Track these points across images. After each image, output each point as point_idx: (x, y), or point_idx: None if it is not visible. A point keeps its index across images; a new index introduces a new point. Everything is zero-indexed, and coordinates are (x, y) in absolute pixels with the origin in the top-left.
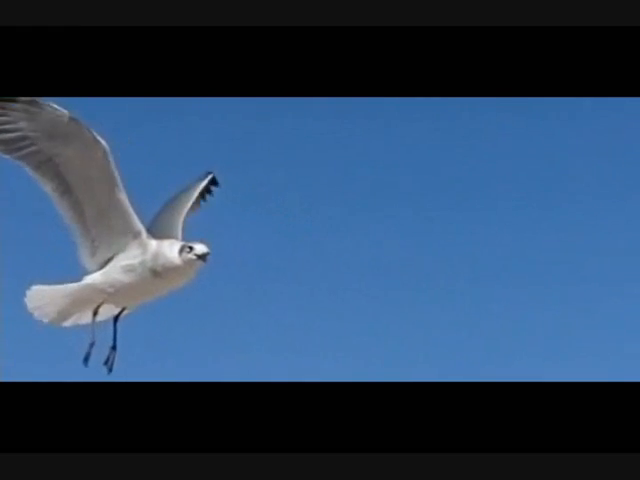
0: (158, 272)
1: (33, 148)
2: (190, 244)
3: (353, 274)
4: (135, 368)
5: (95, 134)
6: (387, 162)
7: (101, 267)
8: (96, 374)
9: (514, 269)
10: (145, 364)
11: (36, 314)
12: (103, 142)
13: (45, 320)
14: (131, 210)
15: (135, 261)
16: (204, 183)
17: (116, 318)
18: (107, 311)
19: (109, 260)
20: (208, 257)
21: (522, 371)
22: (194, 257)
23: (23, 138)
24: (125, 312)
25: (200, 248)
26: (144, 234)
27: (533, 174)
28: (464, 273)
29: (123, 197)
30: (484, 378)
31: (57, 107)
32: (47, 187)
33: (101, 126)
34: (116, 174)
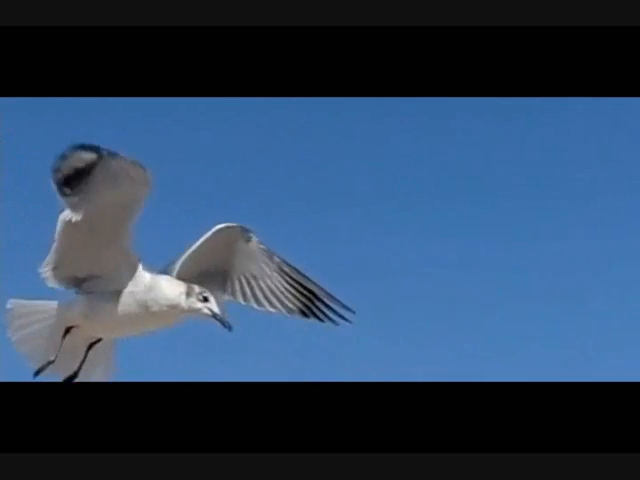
0: (148, 306)
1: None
2: (204, 293)
3: (352, 272)
4: (135, 368)
5: (150, 176)
6: (383, 161)
7: (68, 284)
8: None
9: (515, 268)
10: (144, 364)
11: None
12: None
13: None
14: (129, 239)
15: (123, 289)
16: None
17: (90, 345)
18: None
19: (82, 280)
20: (224, 320)
21: (522, 371)
22: (208, 312)
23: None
24: (101, 342)
25: (216, 308)
26: (140, 265)
27: (531, 174)
28: (465, 274)
29: (130, 229)
30: (484, 378)
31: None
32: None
33: (98, 126)
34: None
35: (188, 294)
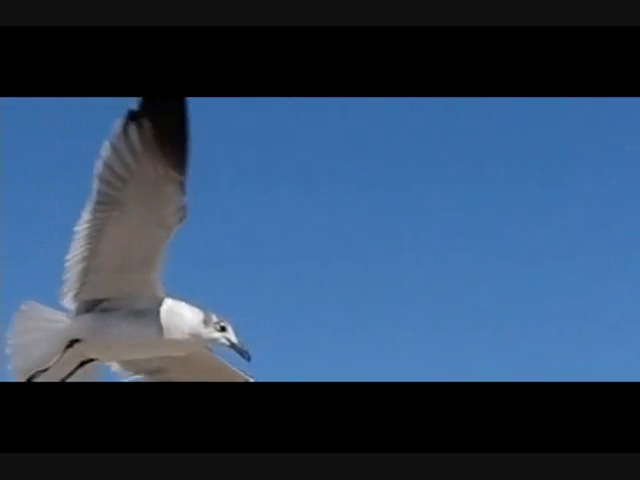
0: (170, 331)
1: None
2: (222, 322)
3: (352, 271)
4: None
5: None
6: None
7: (86, 306)
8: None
9: (516, 268)
10: None
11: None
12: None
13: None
14: (157, 261)
15: (143, 309)
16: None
17: (82, 363)
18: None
19: (99, 302)
20: (242, 351)
21: (522, 371)
22: (226, 342)
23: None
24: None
25: (234, 338)
26: (159, 288)
27: (533, 173)
28: (465, 276)
29: (159, 247)
30: (484, 378)
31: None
32: (93, 211)
33: (98, 126)
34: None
35: (206, 323)
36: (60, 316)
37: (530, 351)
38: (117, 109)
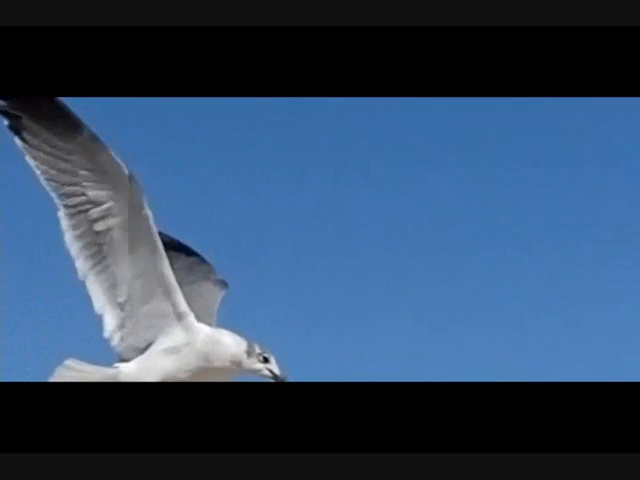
0: (210, 360)
1: (80, 191)
2: (264, 353)
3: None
4: None
5: (143, 199)
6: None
7: (137, 352)
8: None
9: (516, 268)
10: None
11: None
12: (148, 209)
13: None
14: (176, 287)
15: (179, 343)
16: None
17: None
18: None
19: (146, 345)
20: (285, 382)
21: (522, 371)
22: (268, 373)
23: (73, 173)
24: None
25: (277, 369)
26: (190, 316)
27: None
28: (466, 276)
29: (167, 271)
30: (484, 378)
31: (114, 155)
32: (81, 254)
33: (98, 126)
34: (159, 244)
35: (249, 353)
36: (102, 369)
37: (529, 351)
38: (117, 109)
